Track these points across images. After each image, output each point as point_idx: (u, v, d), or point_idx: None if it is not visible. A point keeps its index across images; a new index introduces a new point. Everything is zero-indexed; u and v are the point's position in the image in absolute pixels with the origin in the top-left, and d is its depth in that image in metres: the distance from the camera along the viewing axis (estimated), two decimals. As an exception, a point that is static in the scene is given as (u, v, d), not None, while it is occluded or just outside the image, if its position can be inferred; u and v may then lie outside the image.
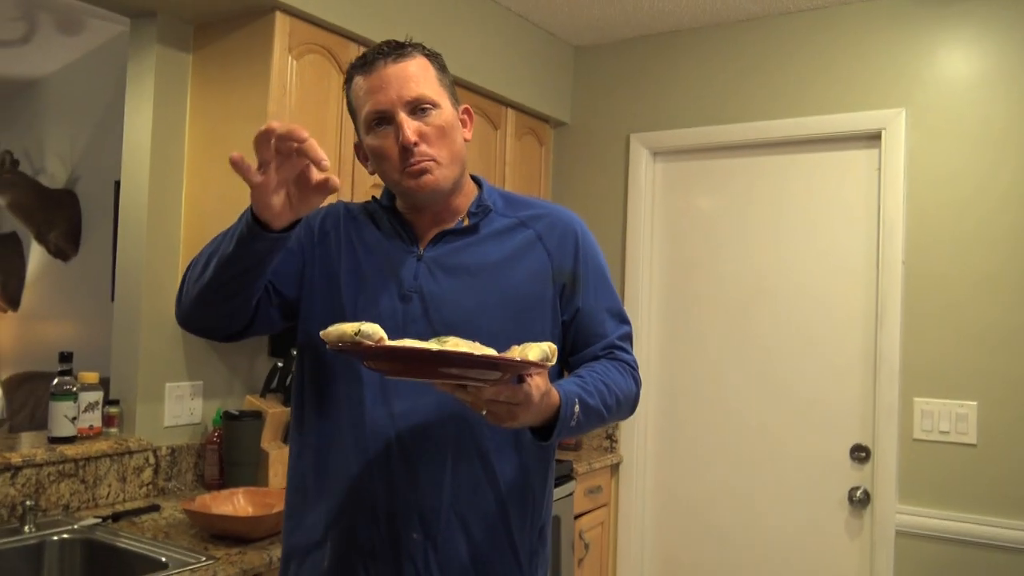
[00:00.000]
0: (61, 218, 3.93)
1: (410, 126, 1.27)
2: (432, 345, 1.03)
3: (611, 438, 3.34)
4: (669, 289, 3.32)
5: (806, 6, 2.99)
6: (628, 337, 1.43)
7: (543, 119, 3.40)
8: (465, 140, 1.37)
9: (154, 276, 2.29)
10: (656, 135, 3.31)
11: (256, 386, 2.54)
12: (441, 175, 1.30)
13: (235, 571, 1.70)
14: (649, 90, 3.35)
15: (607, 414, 1.29)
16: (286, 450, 2.25)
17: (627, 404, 1.36)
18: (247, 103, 2.24)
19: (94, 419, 2.18)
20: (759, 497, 3.06)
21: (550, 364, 1.08)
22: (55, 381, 2.12)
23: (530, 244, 1.37)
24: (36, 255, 4.19)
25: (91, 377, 2.20)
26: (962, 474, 2.68)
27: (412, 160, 1.28)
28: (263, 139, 1.10)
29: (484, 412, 1.10)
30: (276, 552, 1.78)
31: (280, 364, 2.48)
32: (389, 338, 1.04)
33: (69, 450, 2.05)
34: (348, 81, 1.36)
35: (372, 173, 1.37)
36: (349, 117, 1.40)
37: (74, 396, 2.12)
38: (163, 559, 1.73)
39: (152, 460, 2.26)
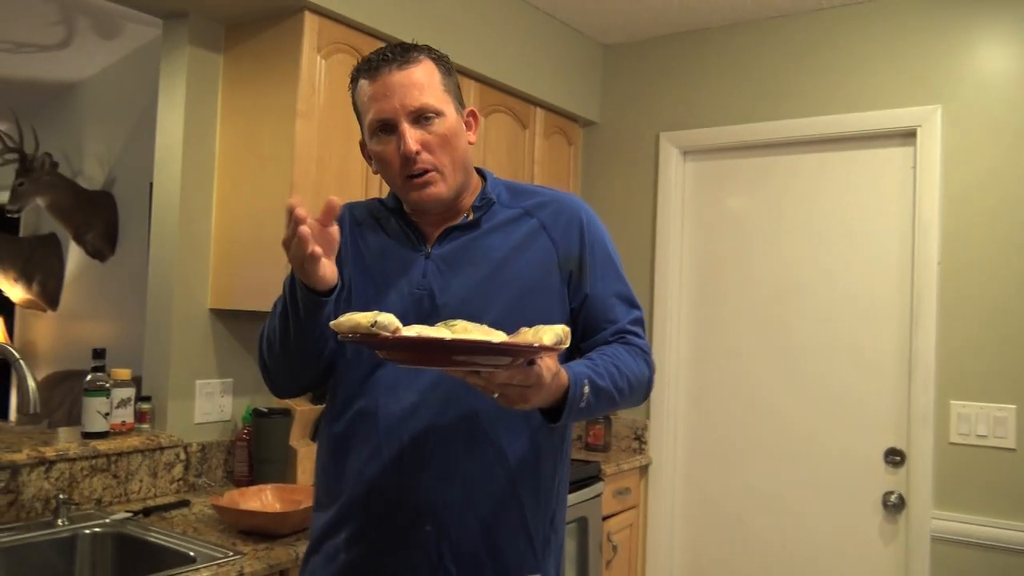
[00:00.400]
0: (99, 219, 3.99)
1: (412, 136, 1.28)
2: (443, 331, 1.04)
3: (640, 439, 3.31)
4: (700, 289, 3.29)
5: (838, 2, 2.95)
6: (639, 321, 1.42)
7: (572, 118, 3.39)
8: (469, 143, 1.37)
9: (186, 275, 2.32)
10: (686, 134, 3.29)
11: (285, 384, 2.56)
12: (443, 185, 1.31)
13: (262, 566, 1.71)
14: (679, 88, 3.32)
15: (619, 396, 1.28)
16: (314, 447, 2.27)
17: (640, 387, 1.35)
18: (277, 102, 2.26)
19: (126, 415, 2.22)
20: (791, 501, 3.02)
21: (564, 347, 1.08)
22: (88, 377, 2.15)
23: (534, 233, 1.37)
24: (74, 256, 4.27)
25: (124, 374, 2.23)
26: (1001, 479, 2.61)
27: (414, 170, 1.29)
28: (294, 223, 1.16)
29: (496, 395, 1.11)
30: (302, 548, 1.78)
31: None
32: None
33: (102, 445, 2.09)
34: (353, 82, 1.36)
35: (376, 173, 1.39)
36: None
37: (107, 392, 2.16)
38: (191, 553, 1.75)
39: (183, 456, 2.28)
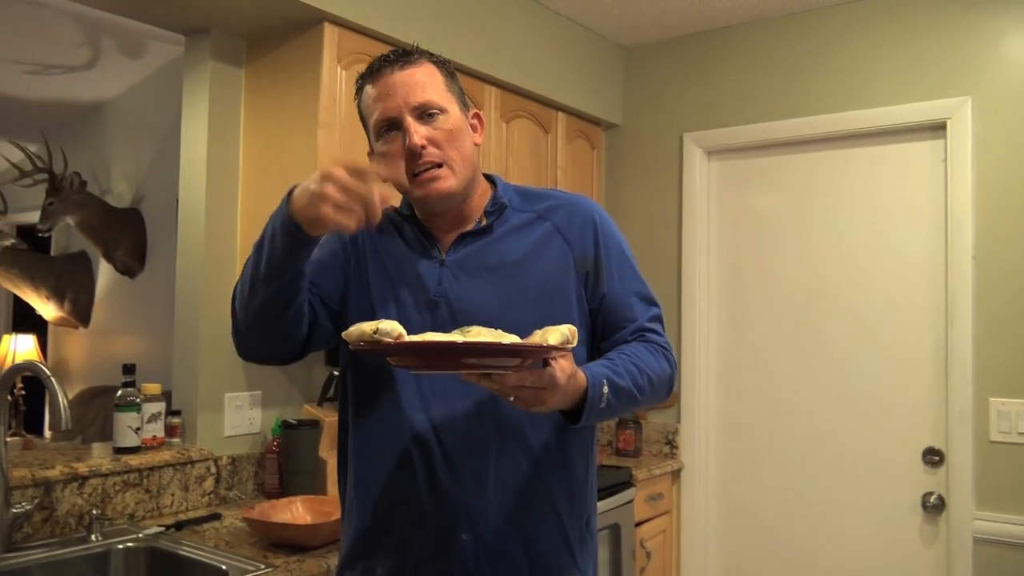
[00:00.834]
0: (127, 236, 4.04)
1: (417, 130, 1.28)
2: (454, 337, 1.05)
3: (671, 444, 3.28)
4: (727, 290, 3.25)
5: (863, -5, 2.91)
6: (658, 319, 1.41)
7: (594, 122, 3.37)
8: (476, 144, 1.37)
9: (212, 288, 2.33)
10: (710, 133, 3.25)
11: (313, 395, 2.56)
12: (450, 180, 1.30)
13: (293, 579, 1.71)
14: (701, 88, 3.29)
15: (640, 395, 1.27)
16: (343, 458, 2.26)
17: (661, 385, 1.34)
18: (298, 114, 2.27)
19: (157, 430, 2.23)
20: (827, 504, 2.96)
21: (570, 346, 1.09)
22: (119, 393, 2.17)
23: (549, 236, 1.37)
24: (104, 273, 4.32)
25: (154, 388, 2.25)
26: (1044, 477, 2.55)
27: (420, 164, 1.28)
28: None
29: (512, 398, 1.10)
30: (333, 560, 1.78)
31: (336, 373, 2.50)
32: None
33: (133, 460, 2.10)
34: (358, 92, 1.37)
35: (385, 181, 1.38)
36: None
37: (138, 407, 2.17)
38: (223, 567, 1.75)
39: (213, 469, 2.29)
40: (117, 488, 2.06)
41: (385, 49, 2.35)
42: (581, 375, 1.17)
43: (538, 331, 1.09)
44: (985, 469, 2.65)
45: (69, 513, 1.96)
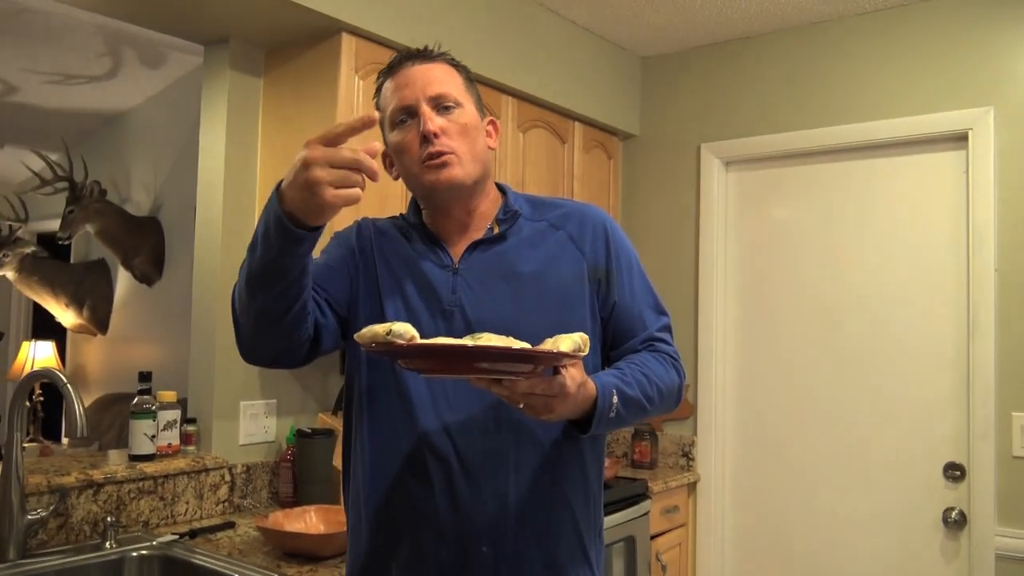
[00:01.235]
0: (146, 244, 4.07)
1: (432, 118, 1.29)
2: (466, 341, 1.04)
3: (688, 456, 3.25)
4: (746, 303, 3.22)
5: (882, 5, 2.88)
6: (667, 328, 1.41)
7: (611, 132, 3.36)
8: (490, 148, 1.37)
9: (228, 297, 2.32)
10: (728, 144, 3.24)
11: (328, 404, 2.56)
12: (461, 170, 1.30)
13: (306, 588, 1.70)
14: (719, 98, 3.27)
15: (649, 405, 1.27)
16: (357, 468, 2.25)
17: (670, 395, 1.34)
18: (316, 123, 2.27)
19: (172, 437, 2.23)
20: (845, 518, 2.92)
21: (582, 354, 1.08)
22: (135, 400, 2.17)
23: (562, 245, 1.36)
24: (123, 280, 4.35)
25: (169, 396, 2.25)
26: (1069, 494, 2.50)
27: (432, 150, 1.28)
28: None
29: (521, 405, 1.10)
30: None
31: (351, 382, 2.49)
32: None
33: (148, 467, 2.10)
34: (378, 91, 1.38)
35: (396, 178, 1.38)
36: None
37: (153, 415, 2.18)
38: (236, 576, 1.75)
39: (228, 477, 2.29)
40: (132, 495, 2.06)
41: (402, 59, 2.38)
42: (591, 384, 1.16)
43: (549, 339, 1.09)
44: (1008, 485, 2.60)
45: (84, 520, 1.96)
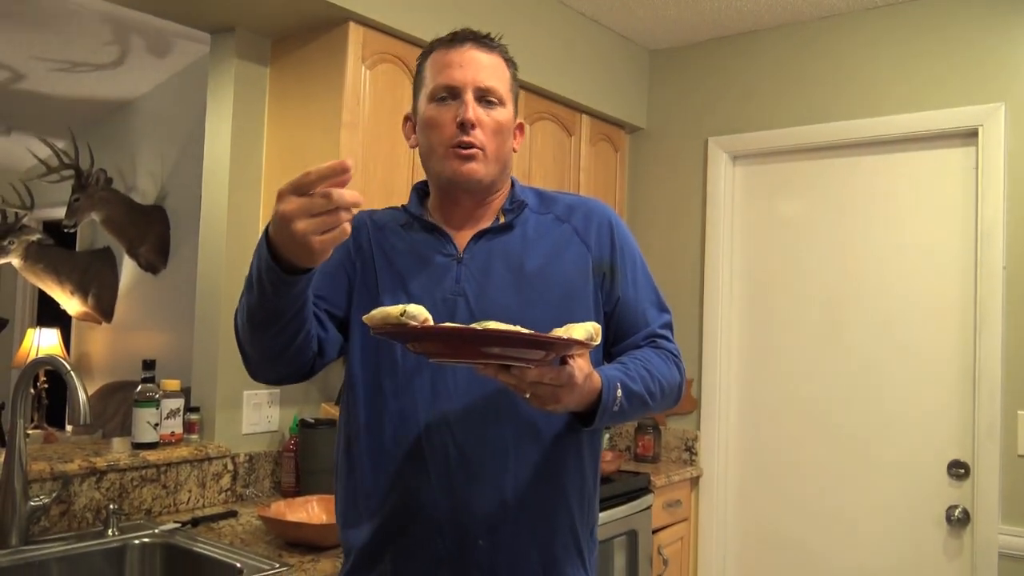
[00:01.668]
0: (151, 233, 4.07)
1: (475, 108, 1.29)
2: (475, 327, 1.03)
3: (691, 450, 3.24)
4: (750, 297, 3.21)
5: (893, 0, 2.86)
6: (669, 325, 1.41)
7: (618, 125, 3.35)
8: (513, 150, 1.38)
9: (233, 286, 2.33)
10: (735, 138, 3.22)
11: (332, 394, 2.56)
12: (483, 168, 1.30)
13: (307, 578, 1.70)
14: (727, 92, 3.26)
15: (651, 401, 1.27)
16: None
17: (671, 392, 1.34)
18: (322, 113, 2.27)
19: (175, 426, 2.23)
20: (848, 515, 2.91)
21: (595, 343, 1.08)
22: (138, 388, 2.18)
23: (568, 239, 1.36)
24: (128, 269, 4.36)
25: (173, 384, 2.25)
26: (1074, 493, 2.49)
27: (464, 139, 1.28)
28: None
29: (528, 395, 1.09)
30: (348, 560, 1.77)
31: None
32: None
33: (151, 455, 2.10)
34: (426, 54, 1.37)
35: (413, 147, 1.38)
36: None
37: (156, 403, 2.18)
38: (238, 565, 1.74)
39: (231, 467, 2.29)
40: (135, 483, 2.07)
41: (410, 49, 2.37)
42: (596, 376, 1.16)
43: (559, 328, 1.08)
44: (1012, 483, 2.59)
45: (86, 507, 1.96)
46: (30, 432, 1.93)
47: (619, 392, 1.19)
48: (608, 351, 1.38)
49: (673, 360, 1.36)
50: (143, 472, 2.09)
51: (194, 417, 2.29)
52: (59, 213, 4.15)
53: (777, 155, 3.17)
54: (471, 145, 1.28)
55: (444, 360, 1.13)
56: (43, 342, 4.65)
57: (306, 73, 2.34)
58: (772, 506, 3.10)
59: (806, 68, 3.07)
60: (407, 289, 1.31)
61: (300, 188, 0.99)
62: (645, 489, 2.85)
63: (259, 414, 2.39)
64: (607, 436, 3.29)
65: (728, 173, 3.26)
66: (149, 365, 2.20)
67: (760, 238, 3.20)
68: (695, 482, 3.22)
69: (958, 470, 2.71)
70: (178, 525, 1.98)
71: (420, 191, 1.42)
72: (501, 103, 1.32)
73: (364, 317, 1.07)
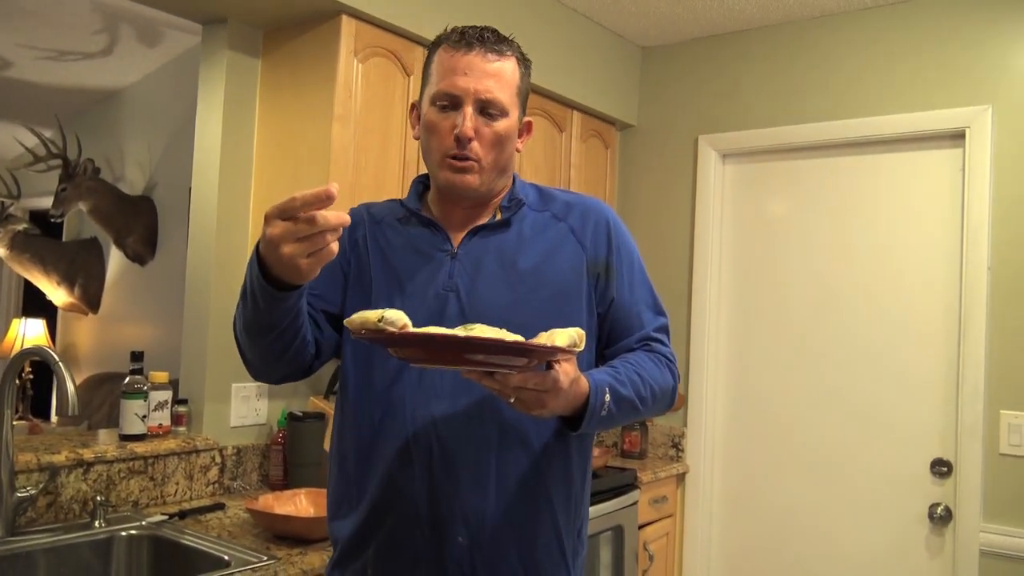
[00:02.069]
0: (139, 223, 4.05)
1: (471, 121, 1.27)
2: (458, 332, 1.02)
3: (677, 447, 3.26)
4: (739, 296, 3.23)
5: (883, 1, 2.88)
6: (665, 329, 1.40)
7: (609, 121, 3.35)
8: (517, 150, 1.36)
9: (223, 278, 2.32)
10: (725, 136, 3.24)
11: (320, 388, 2.56)
12: (477, 179, 1.30)
13: (295, 571, 1.70)
14: (718, 90, 3.27)
15: (641, 406, 1.26)
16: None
17: (663, 397, 1.33)
18: (314, 106, 2.26)
19: (163, 418, 2.23)
20: (832, 512, 2.94)
21: (578, 350, 1.07)
22: (126, 380, 2.17)
23: (563, 237, 1.35)
24: (115, 260, 4.34)
25: (161, 376, 2.24)
26: (1054, 492, 2.52)
27: (459, 153, 1.27)
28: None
29: (512, 400, 1.09)
30: (336, 553, 1.77)
31: (344, 366, 2.49)
32: None
33: (139, 447, 2.10)
34: (435, 45, 1.35)
35: (416, 138, 1.37)
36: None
37: (144, 395, 2.17)
38: (226, 557, 1.74)
39: (218, 459, 2.29)
40: (122, 475, 2.06)
41: (403, 43, 2.37)
42: (584, 381, 1.15)
43: (544, 333, 1.07)
44: (994, 482, 2.62)
45: (73, 499, 1.96)
46: (15, 423, 1.92)
47: (607, 397, 1.18)
48: (601, 353, 1.37)
49: (666, 364, 1.35)
50: (130, 464, 2.08)
51: (182, 409, 2.29)
52: (46, 203, 4.13)
53: (767, 154, 3.19)
54: (467, 158, 1.28)
55: (426, 365, 1.13)
56: (28, 333, 4.62)
57: (298, 66, 2.33)
58: (757, 502, 3.12)
59: (796, 68, 3.09)
60: (402, 285, 1.32)
61: (285, 212, 1.01)
62: (631, 485, 2.86)
63: (247, 407, 2.39)
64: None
65: (718, 171, 3.27)
66: (137, 357, 2.19)
67: (749, 236, 3.22)
68: (681, 478, 3.24)
69: (941, 468, 2.74)
70: (165, 517, 1.98)
71: (420, 184, 1.42)
72: (503, 114, 1.29)
73: (345, 321, 1.08)
